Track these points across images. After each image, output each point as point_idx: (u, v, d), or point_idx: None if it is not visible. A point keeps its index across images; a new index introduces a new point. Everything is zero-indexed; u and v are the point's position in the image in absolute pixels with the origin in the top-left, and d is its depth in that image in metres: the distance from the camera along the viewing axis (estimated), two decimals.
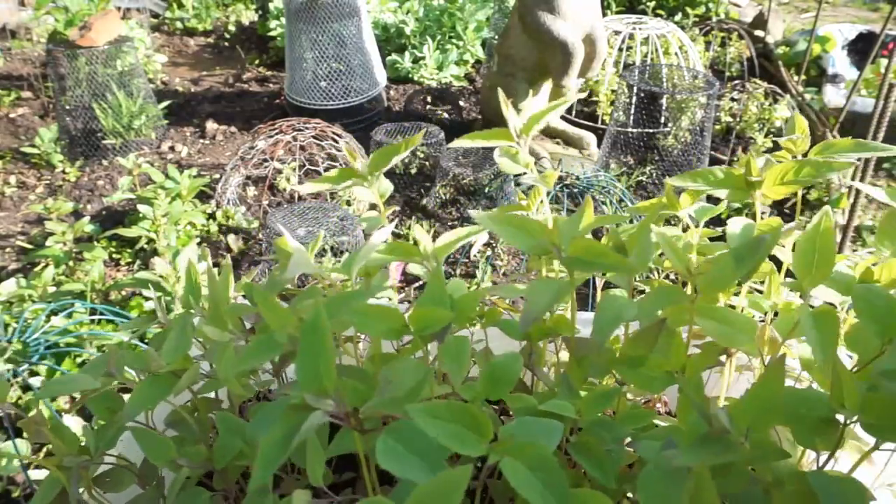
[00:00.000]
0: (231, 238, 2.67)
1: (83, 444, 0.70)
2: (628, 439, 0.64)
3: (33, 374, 1.79)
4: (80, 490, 0.68)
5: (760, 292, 0.82)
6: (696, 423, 0.53)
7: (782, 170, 0.70)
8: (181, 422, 0.75)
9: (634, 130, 3.01)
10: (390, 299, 0.87)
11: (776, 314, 0.78)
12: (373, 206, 0.86)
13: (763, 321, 0.78)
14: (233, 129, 3.63)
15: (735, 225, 0.67)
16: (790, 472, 0.54)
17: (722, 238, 0.90)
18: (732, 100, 3.41)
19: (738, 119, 3.37)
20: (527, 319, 0.59)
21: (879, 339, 0.56)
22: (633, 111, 3.00)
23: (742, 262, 0.58)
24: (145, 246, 2.53)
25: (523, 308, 0.61)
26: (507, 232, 0.65)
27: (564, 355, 0.86)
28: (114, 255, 2.53)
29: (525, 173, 0.81)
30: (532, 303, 0.60)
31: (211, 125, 3.62)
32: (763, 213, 0.76)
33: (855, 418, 0.53)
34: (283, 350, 0.58)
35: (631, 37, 3.65)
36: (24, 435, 0.68)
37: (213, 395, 0.82)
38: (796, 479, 0.53)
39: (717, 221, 1.59)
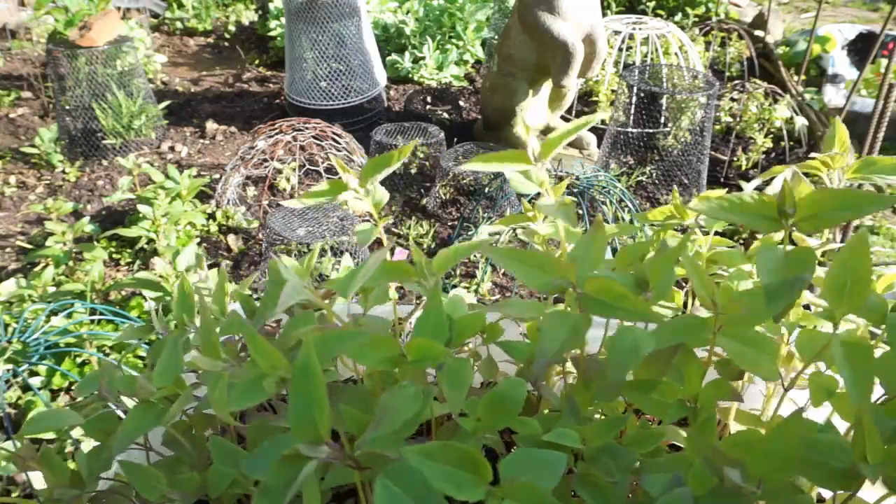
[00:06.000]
0: (231, 238, 2.67)
1: (74, 470, 0.68)
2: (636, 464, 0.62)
3: (33, 374, 1.79)
4: None
5: None
6: (704, 467, 0.51)
7: (818, 200, 0.61)
8: (176, 442, 0.74)
9: (634, 130, 3.01)
10: (392, 299, 0.85)
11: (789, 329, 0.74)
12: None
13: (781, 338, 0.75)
14: (233, 129, 3.63)
15: (766, 256, 0.60)
16: None
17: (731, 245, 0.87)
18: (732, 100, 3.41)
19: (738, 119, 3.37)
20: (541, 364, 0.57)
21: None
22: (633, 111, 3.00)
23: (775, 302, 0.54)
24: (145, 246, 2.53)
25: (537, 348, 0.58)
26: (518, 269, 0.62)
27: (570, 366, 0.83)
28: (114, 255, 2.53)
29: (539, 193, 0.77)
30: (546, 343, 0.57)
31: (211, 125, 3.62)
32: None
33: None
34: (272, 394, 0.57)
35: (631, 37, 3.65)
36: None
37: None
38: None
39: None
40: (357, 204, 0.79)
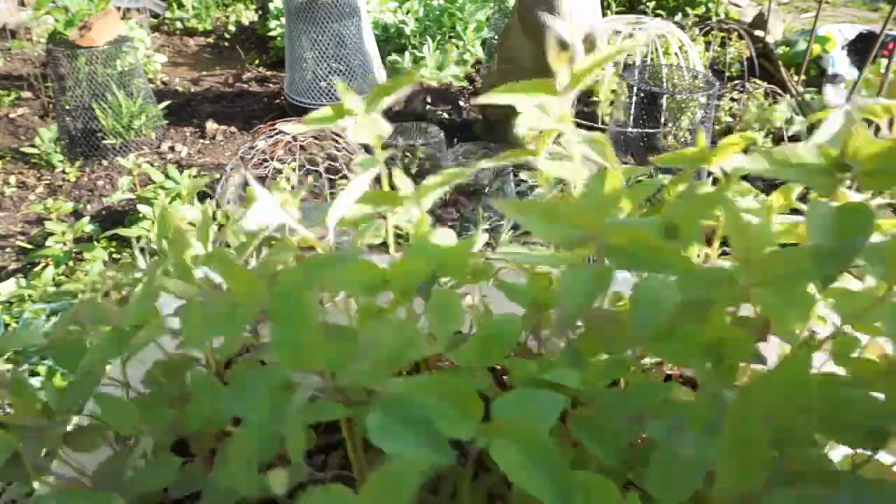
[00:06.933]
0: None
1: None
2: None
3: (33, 374, 1.79)
4: (44, 453, 0.61)
5: None
6: (708, 405, 0.46)
7: (889, 153, 0.52)
8: (156, 380, 0.70)
9: (634, 130, 3.01)
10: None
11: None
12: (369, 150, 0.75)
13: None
14: (233, 129, 3.63)
15: (817, 210, 0.52)
16: (818, 470, 0.46)
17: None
18: (732, 100, 3.41)
19: (738, 119, 3.37)
20: (564, 321, 0.50)
21: None
22: (632, 111, 3.00)
23: (824, 265, 0.47)
24: (145, 246, 2.53)
25: (559, 306, 0.51)
26: (535, 223, 0.54)
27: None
28: (114, 255, 2.53)
29: (562, 130, 0.68)
30: (568, 299, 0.50)
31: (211, 125, 3.62)
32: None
33: None
34: (252, 321, 0.52)
35: (631, 37, 3.65)
36: None
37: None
38: (825, 480, 0.45)
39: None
40: (358, 131, 0.72)
